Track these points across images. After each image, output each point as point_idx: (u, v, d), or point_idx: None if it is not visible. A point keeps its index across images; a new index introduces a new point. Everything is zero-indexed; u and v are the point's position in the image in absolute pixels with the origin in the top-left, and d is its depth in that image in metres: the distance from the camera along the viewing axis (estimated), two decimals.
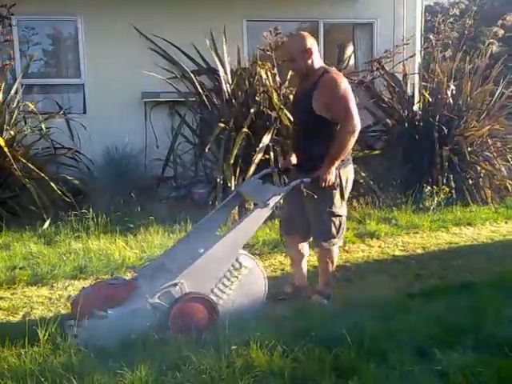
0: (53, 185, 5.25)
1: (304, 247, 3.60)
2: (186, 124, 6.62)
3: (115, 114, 6.57)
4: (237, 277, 3.05)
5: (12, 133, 5.63)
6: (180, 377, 2.42)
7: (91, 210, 4.99)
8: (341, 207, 3.32)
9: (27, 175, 5.24)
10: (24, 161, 5.30)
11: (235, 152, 5.44)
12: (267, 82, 6.02)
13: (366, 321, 2.89)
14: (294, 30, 7.51)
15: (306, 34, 3.34)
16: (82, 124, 6.30)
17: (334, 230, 3.33)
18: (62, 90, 7.03)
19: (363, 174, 5.82)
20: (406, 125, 6.82)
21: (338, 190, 3.27)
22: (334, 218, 3.31)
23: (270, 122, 5.94)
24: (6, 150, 5.13)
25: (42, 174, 5.27)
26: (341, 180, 3.26)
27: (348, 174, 3.34)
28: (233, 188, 5.28)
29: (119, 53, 6.58)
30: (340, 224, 3.35)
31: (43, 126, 5.78)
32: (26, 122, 5.94)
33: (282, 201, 3.34)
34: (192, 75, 6.46)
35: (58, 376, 2.39)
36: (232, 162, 5.44)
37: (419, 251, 4.81)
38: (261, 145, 5.56)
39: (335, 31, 7.74)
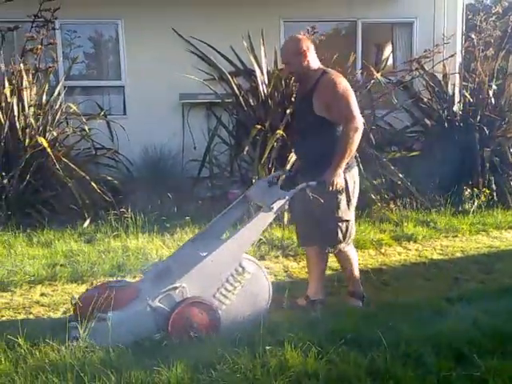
0: (93, 185, 5.38)
1: (323, 258, 3.45)
2: (222, 125, 6.68)
3: (154, 116, 6.68)
4: (240, 282, 2.98)
5: (55, 133, 5.81)
6: (215, 375, 2.44)
7: (130, 210, 5.10)
8: (347, 212, 3.23)
9: (68, 175, 5.37)
10: (66, 161, 5.44)
11: (270, 153, 5.44)
12: None
13: (402, 324, 2.85)
14: (332, 30, 7.50)
15: (301, 36, 3.29)
16: (121, 125, 6.44)
17: (340, 236, 3.25)
18: (103, 91, 7.20)
19: (400, 176, 5.74)
20: (446, 125, 6.68)
21: (344, 194, 3.17)
22: (340, 224, 3.22)
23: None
24: (48, 150, 5.27)
25: (83, 174, 5.40)
26: (347, 184, 3.16)
27: (354, 177, 3.25)
28: None
29: (158, 55, 6.69)
30: (347, 229, 3.26)
31: (86, 127, 5.93)
32: (68, 123, 6.12)
33: (291, 211, 3.25)
34: (229, 76, 6.51)
35: (96, 371, 2.45)
36: (267, 162, 5.45)
37: (458, 255, 4.71)
38: None
39: (373, 31, 7.64)
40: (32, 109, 5.61)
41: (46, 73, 5.92)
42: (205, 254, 2.97)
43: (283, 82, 6.16)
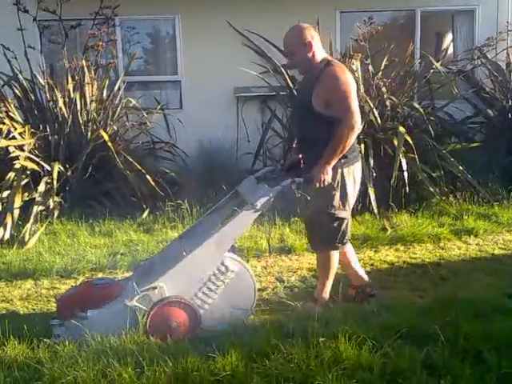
0: (151, 177, 5.52)
1: (349, 249, 3.33)
2: (276, 118, 6.68)
3: (209, 109, 6.78)
4: (223, 281, 2.92)
5: (115, 127, 6.00)
6: (269, 364, 2.47)
7: (186, 201, 5.21)
8: (342, 209, 3.07)
9: (128, 168, 5.54)
10: (125, 154, 5.62)
11: None
12: (357, 74, 5.91)
13: (460, 319, 2.78)
14: (388, 20, 7.33)
15: (305, 25, 3.11)
16: (178, 119, 6.58)
17: (333, 235, 3.10)
18: (160, 86, 7.38)
19: (461, 168, 5.55)
20: (510, 115, 6.41)
21: (339, 190, 3.02)
22: (333, 221, 3.08)
23: (362, 113, 5.83)
24: (109, 143, 5.46)
25: (141, 167, 5.56)
26: (344, 180, 3.02)
27: (354, 173, 3.09)
28: None
29: (214, 49, 6.77)
30: (340, 228, 3.10)
31: (147, 121, 6.10)
32: (127, 118, 6.30)
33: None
34: (283, 69, 6.50)
35: (155, 356, 2.53)
36: None
37: None
38: None
39: (433, 19, 7.42)
40: (93, 104, 5.82)
41: (106, 69, 6.12)
42: (185, 253, 2.91)
43: None
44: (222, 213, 3.28)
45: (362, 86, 5.76)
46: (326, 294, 3.30)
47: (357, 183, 3.14)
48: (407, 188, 5.25)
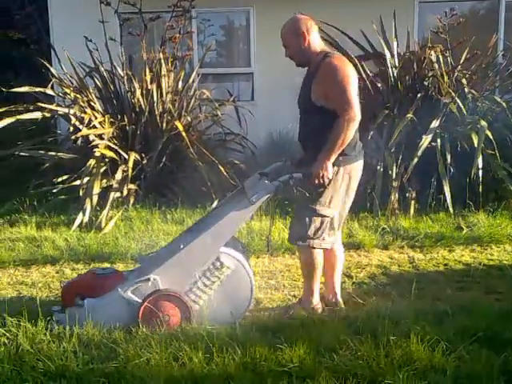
0: (222, 168, 5.61)
1: (338, 256, 3.23)
2: None
3: (280, 101, 6.72)
4: (218, 277, 2.88)
5: (189, 119, 6.13)
6: (337, 360, 2.45)
7: None
8: (327, 207, 2.93)
9: (200, 158, 5.65)
10: (198, 145, 5.73)
11: (397, 138, 5.25)
12: (436, 66, 5.70)
13: None
14: (469, 10, 7.01)
15: (301, 16, 3.01)
16: (249, 110, 6.62)
17: (311, 230, 2.95)
18: (233, 78, 7.46)
19: None
20: None
21: (331, 188, 2.89)
22: (315, 217, 2.94)
23: (438, 107, 5.63)
24: (184, 134, 5.59)
25: (213, 158, 5.65)
26: (337, 178, 2.89)
27: (352, 172, 2.95)
28: (394, 176, 5.15)
29: None
30: (320, 225, 2.95)
31: (219, 112, 6.19)
32: (200, 109, 6.42)
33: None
34: (357, 61, 6.37)
35: (224, 344, 2.58)
36: (394, 149, 5.28)
37: None
38: (428, 131, 5.30)
39: None
40: (169, 95, 5.97)
41: (182, 60, 6.25)
42: (182, 246, 2.90)
43: (415, 65, 5.90)
44: (226, 207, 3.20)
45: (445, 78, 5.55)
46: (314, 298, 3.15)
47: (353, 182, 2.99)
48: (485, 186, 5.02)
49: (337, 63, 2.86)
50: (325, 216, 2.94)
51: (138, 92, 5.80)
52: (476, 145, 4.98)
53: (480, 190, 5.05)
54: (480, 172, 5.00)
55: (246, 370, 2.42)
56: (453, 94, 5.41)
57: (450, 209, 4.94)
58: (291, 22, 3.01)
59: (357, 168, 2.99)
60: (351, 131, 2.81)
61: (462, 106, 5.39)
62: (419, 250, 4.40)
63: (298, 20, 2.98)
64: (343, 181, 2.93)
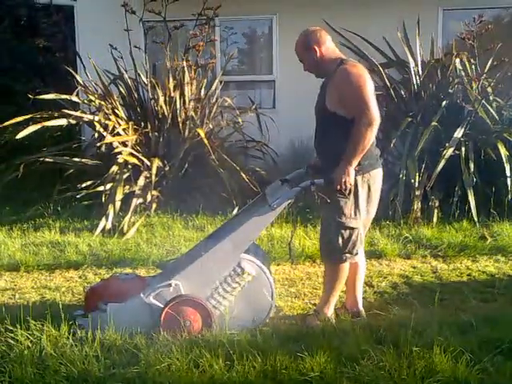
0: (243, 175, 5.62)
1: (360, 266, 3.20)
2: None
3: (302, 109, 6.65)
4: (239, 283, 2.88)
5: (211, 126, 6.17)
6: (358, 370, 2.43)
7: None
8: (353, 218, 2.89)
9: (221, 165, 5.67)
10: (219, 152, 5.76)
11: (421, 146, 5.20)
12: (463, 73, 5.65)
13: None
14: (493, 17, 6.93)
15: (311, 29, 3.00)
16: (271, 118, 6.63)
17: (339, 244, 2.92)
18: (255, 85, 7.48)
19: None
20: None
21: (353, 198, 2.86)
22: (342, 230, 2.90)
23: (462, 115, 5.57)
24: (206, 141, 5.61)
25: (234, 165, 5.67)
26: (356, 188, 2.85)
27: (370, 181, 2.91)
28: (416, 185, 5.10)
29: None
30: (350, 238, 2.92)
31: (240, 119, 6.21)
32: (222, 116, 6.45)
33: None
34: (380, 68, 6.34)
35: (245, 351, 2.58)
36: (417, 157, 5.23)
37: None
38: (452, 139, 5.24)
39: None
40: (192, 102, 6.01)
41: (205, 68, 6.29)
42: (203, 253, 2.92)
43: (439, 73, 5.85)
44: (247, 214, 3.20)
45: (474, 85, 5.49)
46: (329, 309, 3.13)
47: (373, 192, 2.96)
48: (510, 195, 4.95)
49: (351, 69, 2.86)
50: (352, 228, 2.92)
51: (162, 99, 5.86)
52: (503, 154, 4.92)
53: (506, 199, 4.98)
54: (509, 181, 4.93)
55: (266, 378, 2.42)
56: (482, 101, 5.34)
57: (475, 218, 4.88)
58: (301, 37, 3.03)
59: (375, 176, 2.96)
60: (371, 135, 2.79)
61: (487, 115, 5.33)
62: (442, 260, 4.34)
63: (308, 34, 3.00)
64: (363, 189, 2.90)
